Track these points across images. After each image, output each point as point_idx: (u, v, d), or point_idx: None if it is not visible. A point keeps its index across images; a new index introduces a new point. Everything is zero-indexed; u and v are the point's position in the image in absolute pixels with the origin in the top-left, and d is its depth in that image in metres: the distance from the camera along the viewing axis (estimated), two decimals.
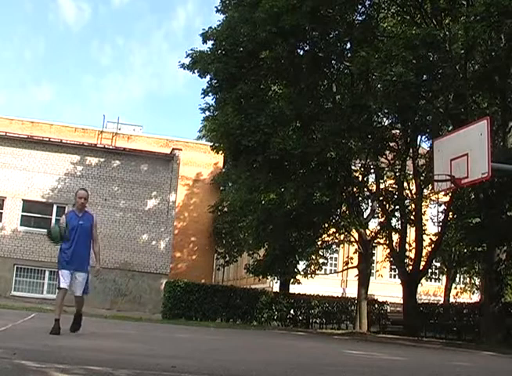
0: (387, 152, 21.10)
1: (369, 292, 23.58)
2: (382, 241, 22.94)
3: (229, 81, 19.46)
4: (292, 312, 24.21)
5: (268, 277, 28.40)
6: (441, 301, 28.25)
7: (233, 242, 30.74)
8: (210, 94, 20.57)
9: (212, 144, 21.44)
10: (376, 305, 25.84)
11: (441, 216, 23.23)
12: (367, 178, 22.84)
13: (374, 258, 29.37)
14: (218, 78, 19.87)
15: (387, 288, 32.37)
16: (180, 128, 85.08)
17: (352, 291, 27.27)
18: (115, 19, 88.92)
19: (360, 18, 19.86)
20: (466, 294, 31.82)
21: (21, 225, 23.10)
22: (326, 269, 27.49)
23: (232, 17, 19.66)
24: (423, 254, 21.82)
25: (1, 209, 23.09)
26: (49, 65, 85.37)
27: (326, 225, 22.50)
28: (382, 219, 22.46)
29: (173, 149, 25.29)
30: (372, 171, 22.43)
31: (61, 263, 7.68)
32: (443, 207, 23.33)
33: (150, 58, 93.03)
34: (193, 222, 30.58)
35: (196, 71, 19.82)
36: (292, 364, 6.38)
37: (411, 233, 22.75)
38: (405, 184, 21.89)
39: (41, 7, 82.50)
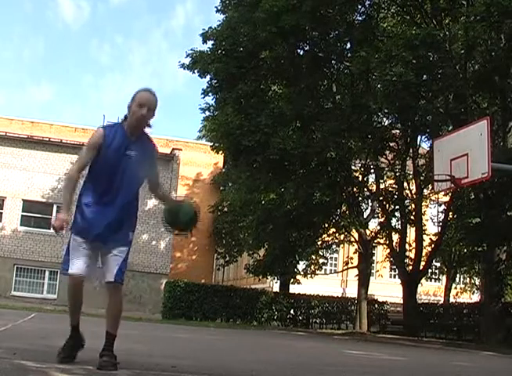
0: (387, 152, 21.11)
1: (369, 292, 23.58)
2: (382, 241, 22.95)
3: (229, 81, 19.47)
4: (292, 312, 24.22)
5: (268, 277, 28.40)
6: (441, 301, 28.23)
7: (233, 242, 30.74)
8: (210, 94, 20.59)
9: (212, 144, 21.45)
10: (376, 305, 25.83)
11: (441, 216, 23.22)
12: (367, 178, 22.84)
13: (374, 258, 29.37)
14: (218, 78, 19.88)
15: (387, 288, 32.36)
16: (180, 128, 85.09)
17: (352, 291, 27.27)
18: (114, 17, 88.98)
19: (360, 18, 19.90)
20: (466, 294, 31.81)
21: (21, 225, 23.12)
22: (326, 269, 27.47)
23: (232, 17, 19.68)
24: (423, 254, 21.82)
25: (1, 209, 23.12)
26: (49, 64, 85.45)
27: (326, 225, 22.52)
28: (382, 219, 22.46)
29: (173, 149, 25.28)
30: (372, 171, 22.43)
31: (76, 226, 3.91)
32: (443, 207, 23.33)
33: (150, 57, 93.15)
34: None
35: (196, 71, 19.83)
36: (292, 364, 6.38)
37: (411, 233, 22.75)
38: (405, 184, 21.90)
39: (39, 5, 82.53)
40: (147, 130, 4.05)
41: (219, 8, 20.70)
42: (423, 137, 21.48)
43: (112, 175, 3.85)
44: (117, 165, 3.85)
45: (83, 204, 3.90)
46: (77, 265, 3.80)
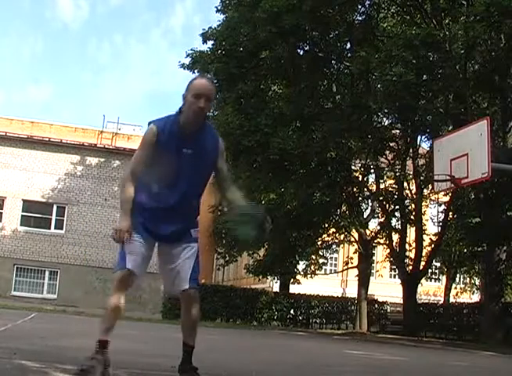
0: (387, 152, 21.11)
1: (369, 292, 23.58)
2: (382, 241, 22.96)
3: (229, 81, 19.49)
4: (292, 312, 24.23)
5: (268, 277, 28.41)
6: (441, 301, 28.22)
7: (233, 242, 30.72)
8: None
9: None
10: (376, 305, 25.84)
11: (441, 216, 23.23)
12: (367, 178, 22.85)
13: (374, 258, 29.36)
14: (218, 78, 19.87)
15: (387, 288, 32.34)
16: None
17: (352, 291, 27.27)
18: (113, 16, 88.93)
19: (360, 18, 19.91)
20: (466, 294, 31.77)
21: (21, 225, 23.11)
22: (326, 269, 27.49)
23: (232, 17, 19.70)
24: (423, 254, 21.83)
25: (1, 209, 23.12)
26: (48, 63, 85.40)
27: (326, 225, 22.53)
28: (382, 219, 22.47)
29: None
30: (372, 171, 22.44)
31: (135, 223, 3.41)
32: (443, 207, 23.33)
33: (149, 56, 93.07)
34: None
35: (196, 71, 19.84)
36: (292, 364, 6.38)
37: (411, 233, 22.75)
38: (405, 184, 21.90)
39: (38, 5, 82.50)
40: (206, 122, 3.59)
41: (219, 8, 20.73)
42: (423, 137, 21.52)
43: (169, 175, 3.43)
44: (174, 165, 3.41)
45: (139, 203, 3.45)
46: (131, 263, 3.40)
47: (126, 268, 3.38)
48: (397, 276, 25.79)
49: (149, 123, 3.48)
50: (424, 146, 22.82)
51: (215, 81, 20.07)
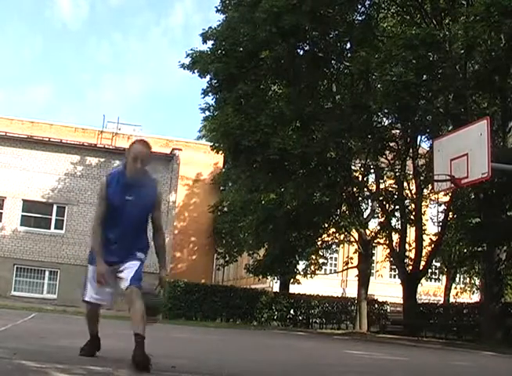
0: (387, 152, 21.11)
1: (369, 292, 23.59)
2: (382, 241, 22.96)
3: (229, 81, 19.47)
4: (292, 312, 24.22)
5: (268, 277, 28.40)
6: (441, 301, 28.22)
7: (233, 242, 30.73)
8: (210, 94, 20.59)
9: (212, 144, 21.46)
10: (376, 305, 25.84)
11: (441, 216, 23.24)
12: (367, 178, 22.86)
13: (374, 258, 29.36)
14: (218, 78, 19.88)
15: (387, 288, 32.34)
16: (180, 128, 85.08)
17: (352, 291, 27.27)
18: (112, 15, 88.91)
19: (360, 18, 19.89)
20: (466, 294, 31.77)
21: (21, 225, 23.09)
22: (326, 269, 27.47)
23: (232, 17, 19.68)
24: (423, 254, 21.83)
25: (1, 209, 23.10)
26: (48, 63, 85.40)
27: (326, 225, 22.52)
28: (382, 219, 22.47)
29: (173, 149, 25.28)
30: (372, 171, 22.44)
31: (91, 259, 4.45)
32: (443, 207, 23.34)
33: (149, 55, 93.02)
34: (193, 222, 30.57)
35: (195, 71, 19.83)
36: (292, 364, 6.38)
37: (411, 233, 22.75)
38: (405, 184, 21.91)
39: (38, 4, 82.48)
40: (148, 176, 4.48)
41: (219, 8, 20.70)
42: (423, 137, 21.52)
43: (117, 217, 4.32)
44: (120, 208, 4.31)
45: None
46: (93, 294, 4.36)
47: (87, 300, 4.40)
48: (397, 276, 25.81)
49: (103, 177, 4.49)
50: (424, 146, 22.85)
51: (215, 81, 20.12)
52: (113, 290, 4.40)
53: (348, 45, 20.43)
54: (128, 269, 4.29)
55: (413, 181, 21.90)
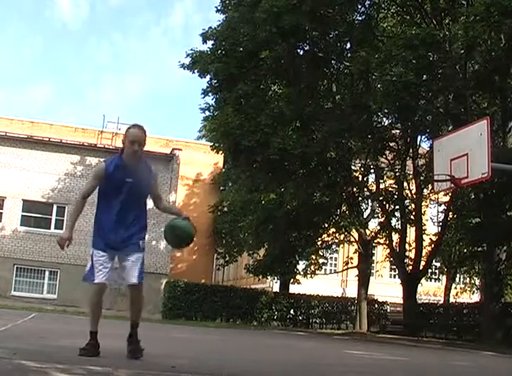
0: (387, 152, 21.11)
1: (369, 292, 23.58)
2: (382, 241, 22.96)
3: (229, 81, 19.47)
4: (292, 312, 24.22)
5: (268, 277, 28.40)
6: (441, 301, 28.23)
7: (233, 242, 30.73)
8: (210, 94, 20.59)
9: (212, 144, 21.46)
10: (376, 305, 25.84)
11: (441, 216, 23.24)
12: (367, 178, 22.86)
13: (374, 258, 29.37)
14: (218, 78, 19.88)
15: (387, 288, 32.35)
16: (180, 128, 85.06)
17: (352, 291, 27.27)
18: (112, 15, 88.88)
19: (360, 18, 19.89)
20: (466, 294, 31.78)
21: (21, 225, 23.10)
22: (326, 269, 27.47)
23: (232, 17, 19.68)
24: (423, 254, 21.84)
25: (1, 209, 23.10)
26: (48, 63, 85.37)
27: (326, 225, 22.52)
28: (382, 219, 22.47)
29: (173, 149, 25.29)
30: (372, 171, 22.44)
31: (95, 242, 4.76)
32: (443, 207, 23.34)
33: (149, 55, 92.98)
34: (193, 222, 30.57)
35: (195, 71, 19.83)
36: (292, 364, 6.38)
37: (411, 233, 22.76)
38: (405, 184, 21.91)
39: (37, 4, 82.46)
40: (142, 158, 4.79)
41: (219, 8, 20.70)
42: (423, 137, 21.52)
43: (118, 198, 4.67)
44: (120, 190, 4.66)
45: (98, 222, 4.74)
46: (100, 276, 4.58)
47: (97, 282, 4.59)
48: (397, 276, 25.81)
49: (101, 161, 4.88)
50: (424, 146, 22.85)
51: (215, 81, 20.12)
52: (116, 273, 4.69)
53: (348, 45, 20.43)
54: (135, 265, 4.67)
55: (413, 181, 21.90)
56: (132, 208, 4.74)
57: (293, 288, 26.37)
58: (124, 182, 4.66)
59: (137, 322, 4.84)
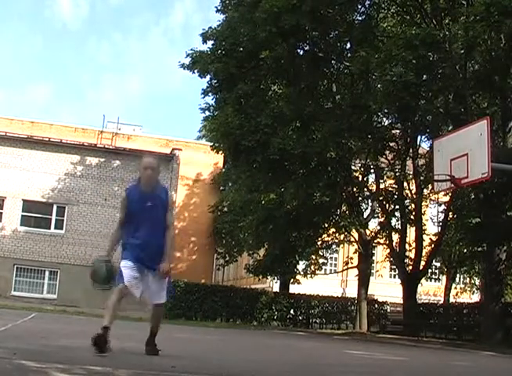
0: (387, 152, 21.12)
1: (369, 292, 23.58)
2: (382, 241, 22.96)
3: (229, 81, 19.47)
4: (292, 312, 24.23)
5: (268, 277, 28.40)
6: (441, 301, 28.22)
7: (233, 242, 30.71)
8: (210, 94, 20.59)
9: (212, 144, 21.46)
10: (376, 305, 25.85)
11: (441, 216, 23.23)
12: (367, 178, 22.85)
13: (374, 258, 29.36)
14: (218, 78, 19.87)
15: (387, 288, 32.34)
16: (180, 128, 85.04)
17: (352, 291, 27.27)
18: (112, 15, 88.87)
19: (360, 18, 19.88)
20: (466, 294, 31.77)
21: (21, 225, 23.09)
22: (326, 269, 27.48)
23: (232, 17, 19.68)
24: (423, 254, 21.83)
25: (1, 209, 23.10)
26: (47, 63, 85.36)
27: (326, 225, 22.51)
28: (382, 219, 22.47)
29: (173, 149, 25.28)
30: (372, 171, 22.44)
31: (124, 255, 5.28)
32: (443, 207, 23.33)
33: (149, 55, 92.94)
34: (193, 222, 30.56)
35: (195, 71, 19.82)
36: (292, 364, 6.39)
37: (411, 233, 22.76)
38: (405, 184, 21.90)
39: (37, 4, 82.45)
40: (159, 185, 5.48)
41: (219, 8, 20.70)
42: (423, 137, 21.52)
43: (140, 221, 5.24)
44: (141, 214, 5.23)
45: (126, 242, 5.30)
46: (128, 278, 5.06)
47: (126, 281, 5.04)
48: (397, 276, 25.80)
49: (124, 190, 5.64)
50: (424, 146, 22.84)
51: (215, 81, 20.12)
52: (142, 287, 5.21)
53: (348, 45, 20.42)
54: (163, 284, 5.35)
55: (413, 181, 21.89)
56: (158, 229, 5.26)
57: (293, 288, 26.37)
58: (144, 206, 5.23)
59: (156, 332, 5.51)
